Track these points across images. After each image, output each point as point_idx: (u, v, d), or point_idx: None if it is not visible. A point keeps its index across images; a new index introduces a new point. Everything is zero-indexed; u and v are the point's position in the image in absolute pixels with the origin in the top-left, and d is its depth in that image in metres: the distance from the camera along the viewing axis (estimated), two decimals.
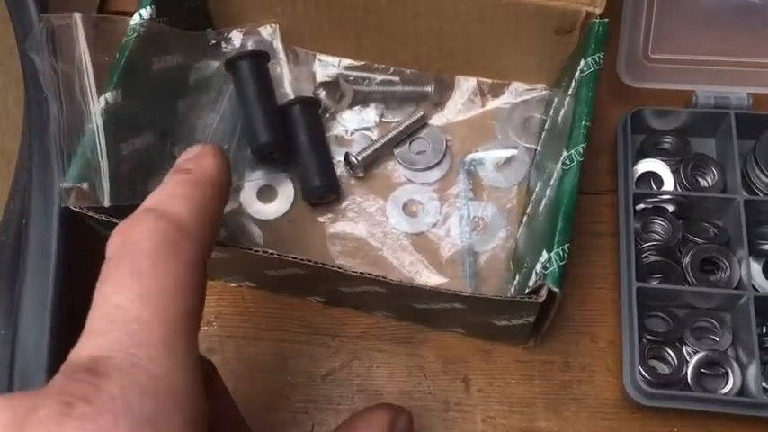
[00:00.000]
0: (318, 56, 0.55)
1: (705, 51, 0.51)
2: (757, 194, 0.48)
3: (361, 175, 0.51)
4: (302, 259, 0.41)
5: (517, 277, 0.46)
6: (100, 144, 0.40)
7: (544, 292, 0.38)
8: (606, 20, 0.45)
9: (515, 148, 0.52)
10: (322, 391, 0.47)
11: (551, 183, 0.44)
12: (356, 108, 0.54)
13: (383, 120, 0.54)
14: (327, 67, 0.54)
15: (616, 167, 0.51)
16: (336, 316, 0.48)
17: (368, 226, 0.50)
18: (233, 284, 0.49)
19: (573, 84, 0.45)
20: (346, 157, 0.51)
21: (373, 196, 0.51)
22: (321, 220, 0.51)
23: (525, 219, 0.49)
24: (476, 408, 0.46)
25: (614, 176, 0.51)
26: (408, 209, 0.51)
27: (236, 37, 0.52)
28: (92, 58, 0.44)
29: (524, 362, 0.47)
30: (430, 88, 0.53)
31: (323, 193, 0.50)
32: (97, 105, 0.42)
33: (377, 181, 0.52)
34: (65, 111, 0.42)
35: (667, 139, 0.51)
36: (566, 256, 0.39)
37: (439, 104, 0.54)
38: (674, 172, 0.50)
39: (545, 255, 0.40)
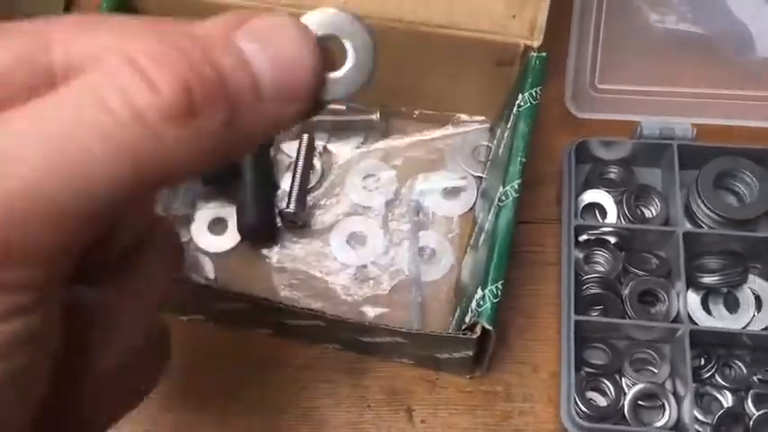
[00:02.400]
0: None
1: (651, 82, 0.52)
2: (700, 226, 0.49)
3: (302, 222, 0.52)
4: (242, 294, 0.41)
5: (457, 310, 0.46)
6: None
7: (478, 330, 0.39)
8: (544, 54, 0.45)
9: (463, 177, 0.52)
10: (267, 421, 0.47)
11: (489, 216, 0.44)
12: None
13: (327, 149, 0.54)
14: None
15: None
16: (284, 347, 0.49)
17: (313, 258, 0.51)
18: (185, 318, 0.49)
19: (511, 118, 0.46)
20: (281, 213, 0.51)
21: (318, 228, 0.52)
22: (266, 253, 0.51)
23: (469, 249, 0.49)
24: None
25: (560, 206, 0.51)
26: (353, 240, 0.51)
27: None
28: None
29: (468, 392, 0.48)
30: (375, 116, 0.53)
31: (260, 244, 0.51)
32: None
33: (320, 213, 0.52)
34: None
35: (613, 169, 0.51)
36: (499, 293, 0.39)
37: (385, 133, 0.54)
38: (618, 203, 0.50)
39: (479, 292, 0.40)
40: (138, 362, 0.24)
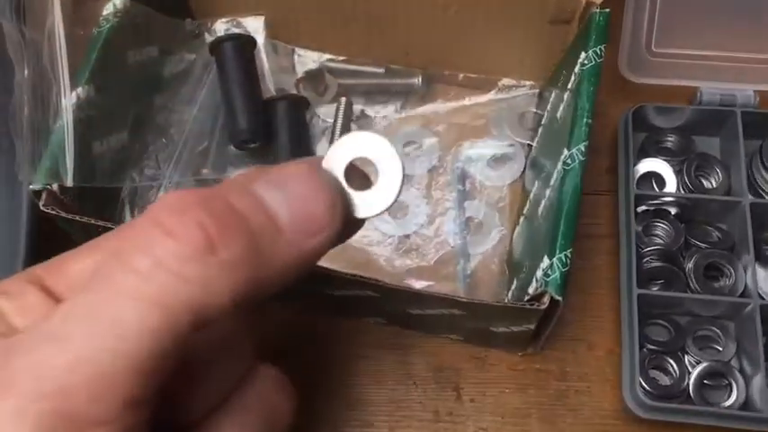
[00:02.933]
0: (300, 50, 0.52)
1: (711, 46, 0.49)
2: (763, 197, 0.46)
3: None
4: None
5: (515, 282, 0.43)
6: (68, 143, 0.37)
7: (546, 300, 0.36)
8: (607, 10, 0.42)
9: (511, 145, 0.49)
10: (304, 398, 0.44)
11: (551, 183, 0.41)
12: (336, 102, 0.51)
13: (365, 113, 0.51)
14: (309, 61, 0.52)
15: (616, 167, 0.48)
16: (322, 320, 0.46)
17: None
18: None
19: (572, 78, 0.43)
20: None
21: None
22: None
23: (522, 220, 0.46)
24: (468, 418, 0.44)
25: (614, 176, 0.49)
26: (394, 209, 0.48)
27: (220, 28, 0.50)
28: (66, 31, 0.41)
29: (519, 370, 0.45)
30: (417, 80, 0.50)
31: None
32: (69, 99, 0.39)
33: None
34: (30, 81, 0.39)
35: (670, 138, 0.49)
36: (568, 262, 0.37)
37: (425, 98, 0.51)
38: (677, 172, 0.47)
39: (546, 261, 0.38)
40: None
